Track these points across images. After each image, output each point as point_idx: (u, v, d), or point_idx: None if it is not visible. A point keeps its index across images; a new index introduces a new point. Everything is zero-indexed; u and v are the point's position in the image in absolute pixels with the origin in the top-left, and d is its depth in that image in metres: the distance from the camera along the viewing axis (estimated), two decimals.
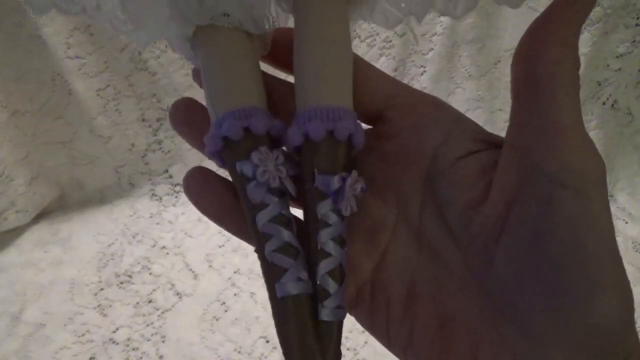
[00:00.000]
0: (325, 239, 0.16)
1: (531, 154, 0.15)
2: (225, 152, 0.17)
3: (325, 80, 0.16)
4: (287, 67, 0.19)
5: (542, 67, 0.14)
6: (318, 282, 0.16)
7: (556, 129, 0.14)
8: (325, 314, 0.16)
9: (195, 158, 0.82)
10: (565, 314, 0.14)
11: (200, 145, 0.19)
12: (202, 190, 0.18)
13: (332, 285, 0.16)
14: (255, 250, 0.17)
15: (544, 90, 0.14)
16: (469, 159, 0.17)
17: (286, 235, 0.16)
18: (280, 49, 0.19)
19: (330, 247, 0.16)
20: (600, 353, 0.14)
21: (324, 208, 0.16)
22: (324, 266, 0.16)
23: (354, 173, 0.17)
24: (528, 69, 0.15)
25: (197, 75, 0.19)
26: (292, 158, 0.18)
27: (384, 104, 0.19)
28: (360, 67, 0.18)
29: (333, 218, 0.16)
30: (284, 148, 0.18)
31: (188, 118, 0.19)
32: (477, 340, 0.16)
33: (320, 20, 0.16)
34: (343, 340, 0.58)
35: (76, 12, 0.18)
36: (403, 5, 0.20)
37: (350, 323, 0.52)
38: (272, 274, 0.16)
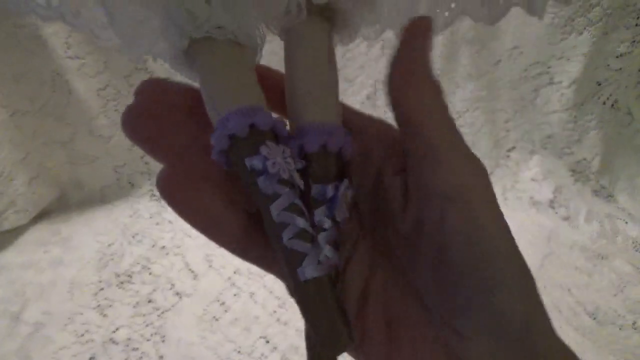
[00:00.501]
0: (322, 243, 0.17)
1: (421, 178, 0.16)
2: (232, 150, 0.17)
3: (316, 100, 0.18)
4: (278, 109, 0.20)
5: (406, 106, 0.16)
6: None
7: (434, 153, 0.16)
8: None
9: None
10: (475, 311, 0.16)
11: (157, 155, 0.18)
12: (187, 194, 0.17)
13: None
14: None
15: (415, 124, 0.16)
16: (400, 176, 0.18)
17: (301, 222, 0.17)
18: (271, 93, 0.19)
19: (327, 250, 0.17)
20: (514, 340, 0.15)
21: (320, 214, 0.17)
22: None
23: (345, 182, 0.18)
24: (398, 111, 0.17)
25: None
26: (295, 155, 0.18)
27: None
28: None
29: (328, 223, 0.17)
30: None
31: (145, 121, 0.18)
32: (417, 339, 0.18)
33: (309, 46, 0.18)
34: None
35: (55, 18, 0.18)
36: (381, 22, 0.21)
37: None
38: (292, 260, 0.17)
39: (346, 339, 0.17)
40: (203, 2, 0.17)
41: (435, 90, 0.16)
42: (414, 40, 0.16)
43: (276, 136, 0.17)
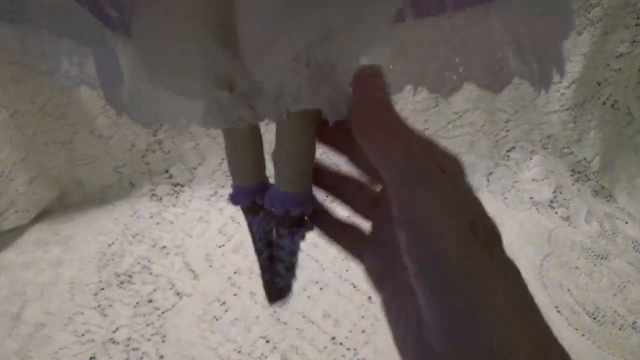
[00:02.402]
0: (281, 269, 0.26)
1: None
2: (242, 210, 0.26)
3: (289, 173, 0.23)
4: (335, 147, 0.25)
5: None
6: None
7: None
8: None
9: (195, 158, 0.82)
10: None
11: None
12: None
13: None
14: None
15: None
16: None
17: (281, 268, 0.26)
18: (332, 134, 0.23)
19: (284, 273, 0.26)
20: None
21: (280, 251, 0.26)
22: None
23: (301, 230, 0.25)
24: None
25: None
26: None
27: None
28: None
29: (286, 257, 0.26)
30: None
31: None
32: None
33: (291, 129, 0.22)
34: (342, 338, 0.58)
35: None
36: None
37: (350, 323, 0.53)
38: (269, 288, 0.27)
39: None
40: (228, 94, 0.21)
41: None
42: None
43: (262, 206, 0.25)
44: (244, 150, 0.24)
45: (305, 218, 0.25)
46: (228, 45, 0.20)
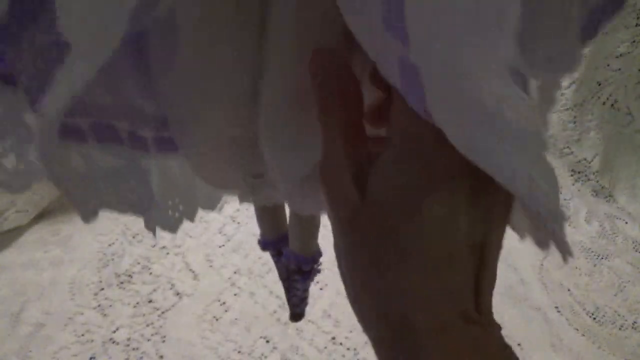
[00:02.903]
0: (295, 301, 0.33)
1: None
2: (270, 253, 0.33)
3: (302, 238, 0.30)
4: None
5: None
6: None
7: None
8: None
9: None
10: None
11: None
12: None
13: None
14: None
15: None
16: None
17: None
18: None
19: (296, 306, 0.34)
20: None
21: (294, 290, 0.32)
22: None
23: (311, 276, 0.32)
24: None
25: None
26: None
27: None
28: None
29: (299, 295, 0.33)
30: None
31: None
32: None
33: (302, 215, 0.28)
34: (342, 338, 0.57)
35: None
36: None
37: (350, 323, 0.53)
38: (294, 304, 0.33)
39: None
40: (261, 181, 0.25)
41: None
42: None
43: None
44: (268, 213, 0.30)
45: (314, 266, 0.32)
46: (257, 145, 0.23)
